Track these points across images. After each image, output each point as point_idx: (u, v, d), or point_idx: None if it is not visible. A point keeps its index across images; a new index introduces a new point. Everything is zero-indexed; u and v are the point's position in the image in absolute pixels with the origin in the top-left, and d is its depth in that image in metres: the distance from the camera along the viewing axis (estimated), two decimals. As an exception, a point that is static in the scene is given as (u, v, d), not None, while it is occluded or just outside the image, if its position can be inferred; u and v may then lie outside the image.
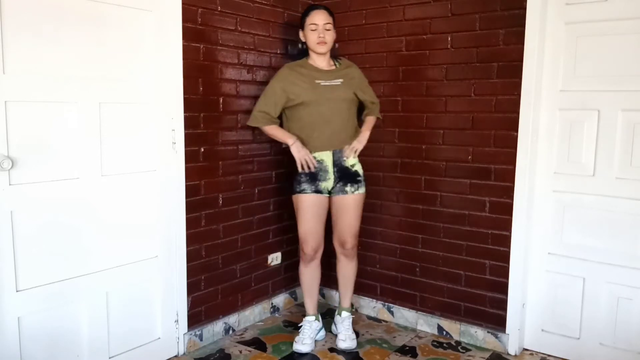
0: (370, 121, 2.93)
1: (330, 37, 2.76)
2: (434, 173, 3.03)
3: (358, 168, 2.86)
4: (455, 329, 3.03)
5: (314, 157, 2.76)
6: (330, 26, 2.75)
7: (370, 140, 2.88)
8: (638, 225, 2.54)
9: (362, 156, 2.88)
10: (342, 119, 2.79)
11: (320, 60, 2.80)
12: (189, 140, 2.70)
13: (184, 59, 2.63)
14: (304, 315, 3.01)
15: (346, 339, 2.91)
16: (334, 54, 2.89)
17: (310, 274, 2.96)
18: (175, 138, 2.63)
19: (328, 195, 2.85)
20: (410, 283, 3.18)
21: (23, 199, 2.11)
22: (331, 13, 2.79)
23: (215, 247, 2.93)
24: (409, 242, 3.16)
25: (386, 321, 3.26)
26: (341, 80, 2.79)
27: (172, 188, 2.66)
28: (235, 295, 3.09)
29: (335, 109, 2.77)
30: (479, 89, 2.83)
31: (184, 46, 2.62)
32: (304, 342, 2.88)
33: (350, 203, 2.84)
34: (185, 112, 2.66)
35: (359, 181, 2.85)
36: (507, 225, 2.81)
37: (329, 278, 3.45)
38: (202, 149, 2.78)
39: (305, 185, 2.79)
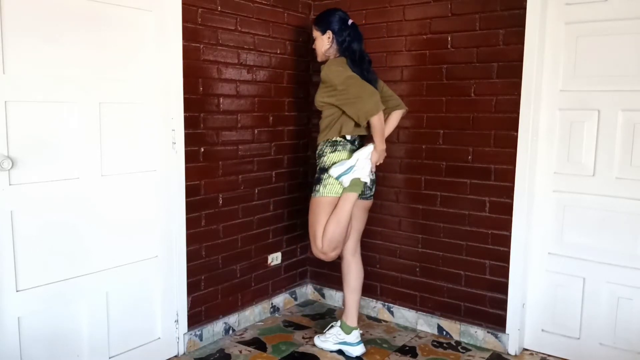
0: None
1: (317, 47, 2.72)
2: (434, 173, 3.02)
3: (322, 161, 2.67)
4: (455, 329, 3.03)
5: None
6: (315, 36, 2.71)
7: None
8: (638, 225, 2.55)
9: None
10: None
11: None
12: (189, 140, 2.70)
13: (184, 59, 2.63)
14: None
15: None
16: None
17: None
18: (175, 138, 2.63)
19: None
20: (410, 283, 3.18)
21: (23, 199, 2.11)
22: (315, 22, 2.72)
23: (215, 247, 2.93)
24: (409, 242, 3.16)
25: (386, 321, 3.26)
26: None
27: (172, 188, 2.66)
28: (235, 295, 3.09)
29: None
30: (479, 89, 2.83)
31: (184, 46, 2.62)
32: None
33: None
34: (185, 112, 2.66)
35: (316, 179, 2.68)
36: (507, 225, 2.81)
37: (329, 278, 3.46)
38: (202, 149, 2.78)
39: None
